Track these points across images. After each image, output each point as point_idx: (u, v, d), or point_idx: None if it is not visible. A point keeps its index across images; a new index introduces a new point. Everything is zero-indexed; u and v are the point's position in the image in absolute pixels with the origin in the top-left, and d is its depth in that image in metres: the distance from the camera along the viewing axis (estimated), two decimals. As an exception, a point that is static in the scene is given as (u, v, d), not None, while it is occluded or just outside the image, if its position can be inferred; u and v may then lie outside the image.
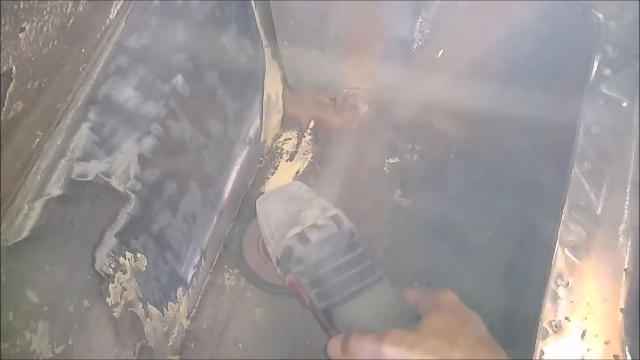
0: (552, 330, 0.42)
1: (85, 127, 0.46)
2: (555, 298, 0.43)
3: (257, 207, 0.45)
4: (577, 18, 0.54)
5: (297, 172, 0.71)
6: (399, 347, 0.34)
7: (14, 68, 0.39)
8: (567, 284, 0.44)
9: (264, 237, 0.45)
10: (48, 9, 0.41)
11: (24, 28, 0.39)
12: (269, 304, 0.63)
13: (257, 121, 0.71)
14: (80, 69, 0.46)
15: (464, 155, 0.68)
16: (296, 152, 0.72)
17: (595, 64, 0.51)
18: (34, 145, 0.43)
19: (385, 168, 0.70)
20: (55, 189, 0.43)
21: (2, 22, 0.37)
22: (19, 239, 0.41)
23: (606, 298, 0.44)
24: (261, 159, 0.72)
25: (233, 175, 0.67)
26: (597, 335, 0.41)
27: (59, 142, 0.44)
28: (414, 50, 0.66)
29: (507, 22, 0.58)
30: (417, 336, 0.35)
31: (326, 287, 0.39)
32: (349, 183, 0.70)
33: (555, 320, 0.42)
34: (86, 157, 0.46)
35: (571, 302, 0.43)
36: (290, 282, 0.41)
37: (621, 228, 0.46)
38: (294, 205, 0.44)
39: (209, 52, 0.61)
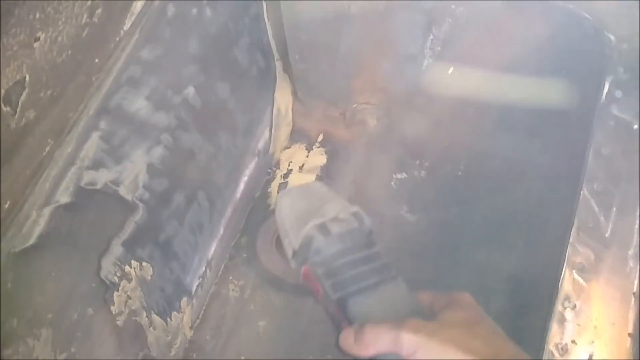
0: (559, 353, 0.41)
1: (95, 136, 0.47)
2: (562, 320, 0.43)
3: (278, 201, 0.46)
4: (589, 39, 0.54)
5: (305, 185, 0.71)
6: (417, 334, 0.34)
7: (27, 77, 0.39)
8: (575, 306, 0.43)
9: (281, 230, 0.45)
10: (63, 19, 0.42)
11: (39, 37, 0.40)
12: (273, 317, 0.63)
13: (267, 133, 0.72)
14: (93, 78, 0.46)
15: (472, 173, 0.68)
16: (304, 165, 0.72)
17: (607, 86, 0.51)
18: (44, 153, 0.43)
19: (392, 183, 0.70)
20: (64, 197, 0.44)
21: (18, 31, 0.38)
22: (26, 245, 0.41)
23: (614, 322, 0.43)
24: (269, 171, 0.72)
25: (241, 186, 0.67)
26: (604, 360, 0.41)
27: (69, 150, 0.45)
28: (424, 67, 0.66)
29: (518, 42, 0.59)
30: (436, 325, 0.35)
31: (342, 278, 0.40)
32: (356, 197, 0.70)
33: (561, 343, 0.41)
34: (96, 165, 0.47)
35: (578, 325, 0.43)
36: (306, 273, 0.42)
37: (631, 252, 0.45)
38: (316, 200, 0.45)
39: (220, 64, 0.62)
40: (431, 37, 0.63)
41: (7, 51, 0.37)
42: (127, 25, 0.50)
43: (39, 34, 0.40)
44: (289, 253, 0.44)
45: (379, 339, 0.35)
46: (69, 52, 0.43)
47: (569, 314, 0.43)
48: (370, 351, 0.36)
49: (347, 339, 0.37)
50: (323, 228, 0.41)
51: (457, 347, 0.33)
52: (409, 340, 0.34)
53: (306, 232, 0.41)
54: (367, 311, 0.38)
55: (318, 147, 0.74)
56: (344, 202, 0.45)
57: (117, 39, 0.49)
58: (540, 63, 0.58)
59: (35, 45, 0.40)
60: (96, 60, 0.46)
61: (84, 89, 0.46)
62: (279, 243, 0.47)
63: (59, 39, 0.42)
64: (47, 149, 0.43)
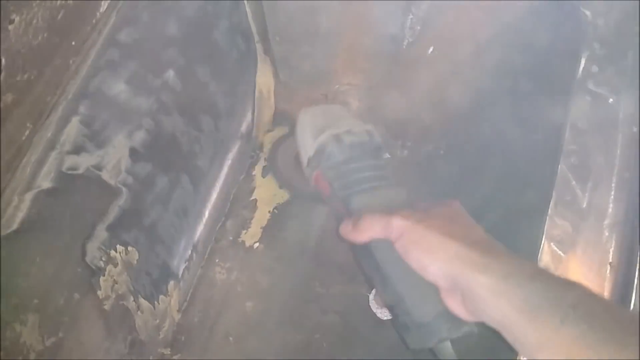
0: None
1: (75, 120, 0.46)
2: (542, 291, 0.44)
3: (299, 116, 0.50)
4: (565, 15, 0.55)
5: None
6: (406, 220, 0.37)
7: (3, 60, 0.39)
8: (553, 277, 0.45)
9: (299, 141, 0.49)
10: (37, 1, 0.41)
11: (13, 20, 0.39)
12: (260, 298, 0.63)
13: (249, 116, 0.71)
14: (71, 62, 0.46)
15: (453, 151, 0.69)
16: (287, 147, 0.72)
17: (583, 61, 0.52)
18: (23, 138, 0.43)
19: (376, 163, 0.71)
20: (45, 182, 0.43)
21: (-9, 13, 0.37)
22: (9, 231, 0.41)
23: (591, 291, 0.44)
24: (252, 154, 0.72)
25: (225, 169, 0.67)
26: (581, 327, 0.42)
27: (49, 135, 0.44)
28: (404, 47, 0.66)
29: (496, 20, 0.59)
30: (423, 215, 0.39)
31: (349, 180, 0.44)
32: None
33: (540, 313, 0.42)
34: (77, 150, 0.46)
35: (557, 294, 0.44)
36: (317, 177, 0.46)
37: (606, 222, 0.47)
38: (333, 117, 0.49)
39: (200, 47, 0.61)
40: (410, 16, 0.64)
41: (-19, 34, 0.37)
42: (103, 7, 0.49)
43: (13, 16, 0.39)
44: (304, 161, 0.48)
45: (372, 225, 0.39)
46: (45, 34, 0.42)
47: (548, 285, 0.44)
48: (365, 236, 0.40)
49: (346, 227, 0.41)
50: (337, 138, 0.45)
51: (439, 232, 0.36)
52: (397, 225, 0.37)
53: (321, 140, 0.46)
54: (367, 206, 0.42)
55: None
56: (359, 121, 0.48)
57: (94, 21, 0.48)
58: (517, 40, 0.59)
59: (10, 27, 0.39)
60: (73, 43, 0.46)
61: (61, 72, 0.45)
62: (297, 160, 0.51)
63: (34, 21, 0.41)
64: (27, 133, 0.43)
